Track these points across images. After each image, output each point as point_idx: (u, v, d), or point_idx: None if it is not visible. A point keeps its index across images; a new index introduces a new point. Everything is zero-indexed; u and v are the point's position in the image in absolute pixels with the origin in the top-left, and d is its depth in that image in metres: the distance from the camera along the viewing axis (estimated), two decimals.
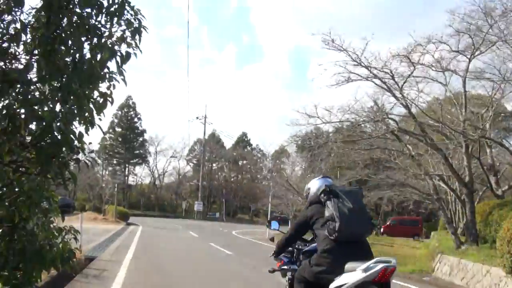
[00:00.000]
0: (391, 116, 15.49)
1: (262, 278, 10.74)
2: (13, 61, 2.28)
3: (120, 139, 75.28)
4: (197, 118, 67.84)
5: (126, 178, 75.60)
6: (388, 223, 39.92)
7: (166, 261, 12.79)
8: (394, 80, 14.70)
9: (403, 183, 20.19)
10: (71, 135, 2.30)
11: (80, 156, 2.53)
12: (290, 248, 4.59)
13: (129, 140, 75.26)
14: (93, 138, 2.94)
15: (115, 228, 27.51)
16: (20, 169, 2.47)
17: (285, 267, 4.61)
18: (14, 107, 2.00)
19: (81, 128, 2.49)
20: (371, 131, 17.60)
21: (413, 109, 15.32)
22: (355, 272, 3.38)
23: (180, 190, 78.16)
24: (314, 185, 4.29)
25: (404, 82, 14.82)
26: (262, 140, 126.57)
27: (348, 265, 3.47)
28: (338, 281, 3.44)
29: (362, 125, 17.20)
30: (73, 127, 2.40)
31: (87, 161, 2.65)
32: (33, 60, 2.09)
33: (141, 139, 77.67)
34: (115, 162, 76.73)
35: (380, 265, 3.30)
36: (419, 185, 19.71)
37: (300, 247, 4.53)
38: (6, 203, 2.54)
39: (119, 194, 49.26)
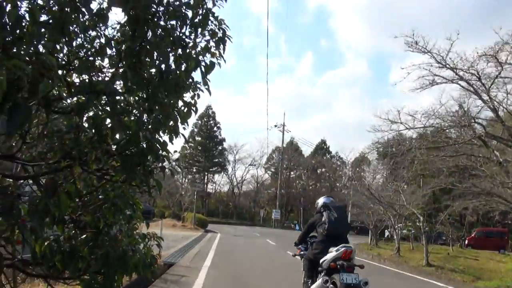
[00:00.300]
0: (478, 121, 14.72)
1: None
2: (99, 74, 2.42)
3: (199, 148, 77.45)
4: (275, 126, 68.45)
5: (205, 186, 77.46)
6: (473, 235, 37.71)
7: (244, 268, 12.91)
8: (481, 82, 13.95)
9: (489, 192, 18.93)
10: (157, 144, 2.39)
11: (165, 164, 2.62)
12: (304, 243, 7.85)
13: (208, 149, 77.21)
14: (174, 147, 3.05)
15: (194, 235, 28.28)
16: (105, 177, 2.60)
17: (302, 252, 7.75)
18: (101, 117, 2.11)
19: (166, 137, 2.58)
20: (456, 136, 16.78)
21: (500, 112, 14.43)
22: (332, 252, 6.28)
23: (258, 198, 78.97)
24: (320, 201, 7.29)
25: (492, 84, 14.01)
26: (341, 148, 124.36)
27: (330, 249, 6.38)
28: (324, 257, 6.38)
29: (447, 130, 16.45)
30: (158, 136, 2.50)
31: (171, 170, 2.75)
32: (119, 72, 2.21)
33: (220, 147, 79.40)
34: (194, 170, 78.94)
35: (343, 248, 6.20)
36: (507, 194, 18.42)
37: (309, 240, 7.58)
38: (91, 210, 2.69)
39: (198, 201, 50.58)
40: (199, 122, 77.70)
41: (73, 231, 2.68)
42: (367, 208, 29.77)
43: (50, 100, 1.96)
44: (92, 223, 2.67)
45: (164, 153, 2.56)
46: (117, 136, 2.24)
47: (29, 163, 2.44)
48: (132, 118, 2.36)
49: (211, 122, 78.92)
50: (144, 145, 2.36)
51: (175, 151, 2.75)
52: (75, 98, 2.32)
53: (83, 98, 2.12)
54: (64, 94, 2.15)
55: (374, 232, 30.99)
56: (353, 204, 32.30)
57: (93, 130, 2.13)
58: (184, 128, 2.95)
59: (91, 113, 2.12)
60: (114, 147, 2.40)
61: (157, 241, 3.15)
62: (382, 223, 32.07)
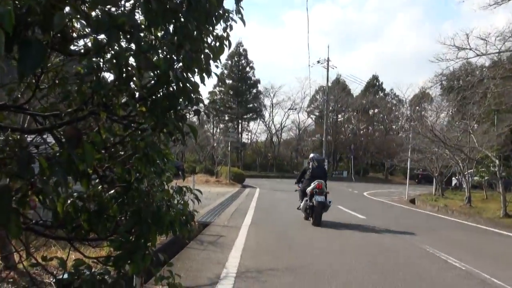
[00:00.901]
0: None
1: (402, 247, 10.64)
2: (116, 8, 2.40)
3: (231, 92, 77.53)
4: (318, 62, 67.35)
5: (240, 135, 77.98)
6: None
7: (289, 226, 13.13)
8: None
9: None
10: (188, 85, 2.39)
11: (200, 107, 2.64)
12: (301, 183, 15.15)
13: (241, 93, 77.20)
14: (204, 90, 3.06)
15: (230, 191, 28.86)
16: (133, 124, 2.64)
17: (299, 187, 15.09)
18: (125, 55, 2.11)
19: (196, 78, 2.59)
20: None
21: None
22: (312, 185, 13.89)
23: (300, 147, 79.20)
24: (310, 156, 15.42)
25: None
26: (397, 84, 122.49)
27: (312, 183, 14.02)
28: (308, 188, 13.96)
29: None
30: (190, 75, 2.50)
31: (206, 113, 2.76)
32: (140, 1, 2.19)
33: (254, 91, 79.24)
34: (226, 118, 79.41)
35: (317, 182, 13.76)
36: None
37: (302, 180, 14.91)
38: (119, 162, 2.74)
39: (232, 153, 51.10)
40: (229, 62, 77.40)
41: (100, 187, 2.75)
42: (430, 152, 29.45)
43: (67, 36, 1.98)
44: (121, 177, 2.74)
45: (196, 95, 2.58)
46: (145, 77, 2.25)
47: (42, 113, 2.48)
48: (161, 56, 2.37)
49: (243, 61, 78.51)
50: (175, 87, 2.38)
51: (211, 93, 2.76)
52: (88, 39, 2.33)
53: (102, 37, 2.12)
54: (82, 31, 2.16)
55: (439, 180, 30.76)
56: (413, 149, 31.90)
57: (117, 71, 2.14)
58: (216, 67, 2.95)
59: (113, 51, 2.13)
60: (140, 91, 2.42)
61: (195, 194, 3.22)
62: (448, 170, 31.76)
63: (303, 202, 14.34)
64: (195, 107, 2.61)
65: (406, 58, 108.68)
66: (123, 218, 2.80)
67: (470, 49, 14.73)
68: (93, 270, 2.58)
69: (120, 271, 2.65)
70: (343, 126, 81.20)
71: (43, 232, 2.76)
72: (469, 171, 26.17)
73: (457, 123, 28.52)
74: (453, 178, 38.56)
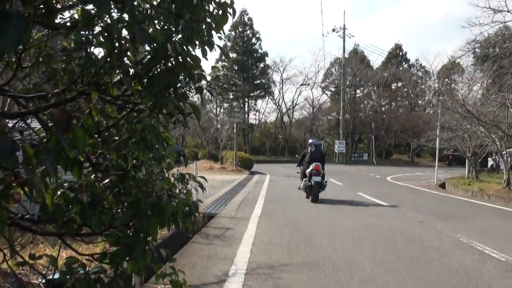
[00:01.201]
0: None
1: (432, 237, 10.65)
2: None
3: (235, 67, 77.37)
4: (333, 30, 67.20)
5: (247, 116, 77.87)
6: None
7: (304, 217, 13.13)
8: None
9: None
10: (189, 59, 2.39)
11: (203, 84, 2.63)
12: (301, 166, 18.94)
13: (247, 68, 77.05)
14: (207, 65, 3.05)
15: (237, 178, 28.99)
16: (128, 105, 2.65)
17: (300, 169, 18.90)
18: (118, 27, 2.11)
19: (197, 51, 2.58)
20: None
21: None
22: (310, 167, 17.53)
23: (315, 127, 79.11)
24: (309, 140, 19.17)
25: None
26: (423, 54, 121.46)
27: (310, 166, 17.65)
28: (307, 170, 17.62)
29: None
30: (190, 48, 2.49)
31: (210, 90, 2.75)
32: None
33: (262, 65, 79.06)
34: (231, 96, 79.41)
35: (314, 165, 17.40)
36: None
37: (302, 163, 18.71)
38: (114, 147, 2.75)
39: (238, 136, 51.13)
40: (233, 33, 77.12)
41: (93, 176, 2.76)
42: (461, 130, 29.22)
43: (51, 7, 1.98)
44: (117, 165, 2.75)
45: (197, 71, 2.57)
46: (140, 51, 2.25)
47: (25, 95, 2.48)
48: (157, 27, 2.37)
49: (248, 32, 78.24)
50: (173, 62, 2.38)
51: (214, 68, 2.75)
52: (75, 10, 2.32)
53: (90, 7, 2.11)
54: (68, 2, 2.16)
55: (473, 162, 30.57)
56: (442, 127, 31.65)
57: (109, 45, 2.14)
58: (219, 38, 2.93)
59: (103, 24, 2.13)
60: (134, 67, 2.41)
61: (199, 182, 3.23)
62: (483, 149, 31.59)
63: (303, 182, 18.30)
64: (197, 84, 2.61)
65: (433, 24, 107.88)
66: (119, 210, 2.81)
67: (508, 11, 14.57)
68: (87, 268, 2.60)
69: (117, 269, 2.67)
70: (362, 103, 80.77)
71: (30, 228, 2.77)
72: (508, 150, 26.02)
73: (492, 96, 28.25)
74: (488, 158, 38.35)
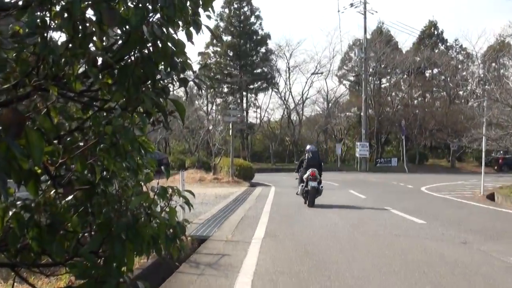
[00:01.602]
0: None
1: (483, 262, 10.61)
2: None
3: (230, 53, 77.17)
4: (351, 5, 67.19)
5: (245, 114, 77.67)
6: None
7: (319, 239, 13.05)
8: None
9: None
10: (170, 44, 2.39)
11: (188, 75, 2.63)
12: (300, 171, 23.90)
13: (245, 54, 76.90)
14: (193, 51, 3.03)
15: (234, 192, 29.00)
16: (95, 103, 2.64)
17: (298, 175, 23.81)
18: (82, 6, 2.10)
19: (181, 34, 2.58)
20: None
21: None
22: (307, 173, 22.11)
23: (330, 126, 79.00)
24: (307, 147, 24.42)
25: None
26: (463, 32, 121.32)
27: (307, 171, 22.39)
28: (305, 175, 22.25)
29: None
30: (171, 31, 2.49)
31: (197, 83, 2.74)
32: None
33: (263, 50, 79.01)
34: (225, 90, 79.21)
35: (311, 171, 21.91)
36: None
37: (301, 169, 23.60)
38: (79, 155, 2.72)
39: (236, 140, 51.08)
40: (226, 10, 77.09)
41: (53, 192, 2.75)
42: None
43: None
44: (82, 178, 2.74)
45: (181, 59, 2.57)
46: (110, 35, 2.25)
47: None
48: (130, 5, 2.36)
49: (246, 9, 78.26)
50: (151, 48, 2.38)
51: (203, 54, 2.74)
52: None
53: None
54: None
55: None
56: (489, 123, 31.47)
57: (71, 28, 2.13)
58: (208, 17, 2.92)
59: (63, 3, 2.13)
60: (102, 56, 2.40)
61: (185, 198, 3.22)
62: None
63: (300, 187, 22.91)
64: (181, 76, 2.61)
65: None
66: (86, 234, 2.80)
67: None
68: None
69: None
70: (390, 95, 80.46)
71: None
72: None
73: None
74: None
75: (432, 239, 13.29)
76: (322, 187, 22.46)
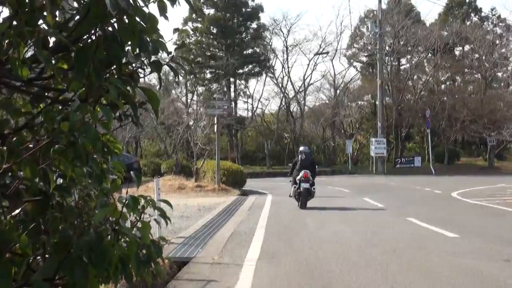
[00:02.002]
0: None
1: None
2: None
3: (214, 30, 77.05)
4: None
5: (234, 105, 77.60)
6: None
7: (328, 259, 13.08)
8: None
9: None
10: (139, 19, 2.38)
11: (162, 57, 2.62)
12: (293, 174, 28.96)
13: (232, 30, 76.93)
14: (168, 28, 3.03)
15: (221, 202, 29.10)
16: (47, 94, 2.63)
17: (292, 178, 29.06)
18: None
19: (153, 7, 2.57)
20: None
21: None
22: (299, 174, 27.05)
23: (338, 119, 78.82)
24: (300, 148, 30.70)
25: None
26: (501, 0, 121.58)
27: (300, 173, 27.66)
28: (297, 177, 27.04)
29: None
30: (139, 3, 2.48)
31: (172, 66, 2.72)
32: None
33: (254, 25, 79.17)
34: (208, 75, 79.09)
35: (303, 172, 26.71)
36: None
37: (294, 171, 28.91)
38: (28, 159, 2.71)
39: (223, 138, 51.04)
40: None
41: None
42: None
43: None
44: (33, 186, 2.73)
45: (152, 37, 2.56)
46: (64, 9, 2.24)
47: None
48: None
49: None
50: (116, 25, 2.37)
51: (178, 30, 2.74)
52: None
53: None
54: None
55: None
56: None
57: (15, 2, 2.13)
58: None
59: None
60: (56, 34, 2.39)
61: (161, 210, 3.21)
62: None
63: (293, 189, 26.85)
64: (152, 58, 2.60)
65: None
66: (39, 257, 2.80)
67: None
68: None
69: None
70: (411, 79, 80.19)
71: None
72: None
73: None
74: None
75: (468, 255, 13.31)
76: (314, 189, 26.82)
